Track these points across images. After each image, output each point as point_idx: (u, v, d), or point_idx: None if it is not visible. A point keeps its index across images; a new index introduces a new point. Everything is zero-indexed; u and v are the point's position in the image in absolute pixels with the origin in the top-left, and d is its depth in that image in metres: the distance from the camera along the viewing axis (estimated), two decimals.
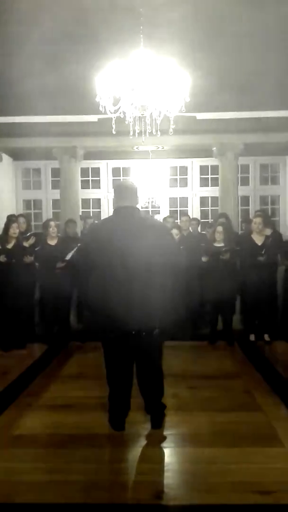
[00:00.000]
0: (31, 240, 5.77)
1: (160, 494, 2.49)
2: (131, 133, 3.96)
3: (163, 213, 8.88)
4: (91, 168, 9.09)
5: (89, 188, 9.17)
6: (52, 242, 5.91)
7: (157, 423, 3.28)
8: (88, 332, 5.79)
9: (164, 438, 3.15)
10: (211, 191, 9.00)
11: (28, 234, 5.89)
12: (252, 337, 5.84)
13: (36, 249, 5.84)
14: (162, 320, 3.08)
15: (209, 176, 9.08)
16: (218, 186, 7.82)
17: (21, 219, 6.30)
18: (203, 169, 9.14)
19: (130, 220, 3.12)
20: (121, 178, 9.01)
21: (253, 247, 5.70)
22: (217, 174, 7.88)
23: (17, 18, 4.03)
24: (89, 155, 7.82)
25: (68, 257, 5.62)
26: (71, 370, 4.79)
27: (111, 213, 3.34)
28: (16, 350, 5.43)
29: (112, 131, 3.82)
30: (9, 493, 2.52)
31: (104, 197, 9.16)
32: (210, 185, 9.06)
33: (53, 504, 2.42)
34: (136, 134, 4.00)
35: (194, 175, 9.17)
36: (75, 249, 5.58)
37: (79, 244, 5.61)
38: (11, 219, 5.96)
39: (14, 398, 3.92)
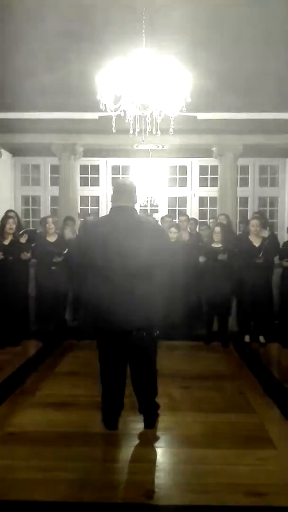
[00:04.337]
0: (25, 237, 5.74)
1: (151, 494, 2.50)
2: (131, 131, 3.95)
3: (162, 212, 8.88)
4: (91, 165, 9.09)
5: (88, 186, 9.16)
6: (51, 238, 5.90)
7: (150, 423, 3.29)
8: (83, 330, 5.80)
9: (156, 438, 3.16)
10: (210, 191, 9.00)
11: (21, 232, 5.84)
12: (247, 339, 5.85)
13: (32, 245, 5.82)
14: (157, 319, 3.09)
15: (209, 176, 9.09)
16: (217, 186, 7.83)
17: (11, 214, 6.23)
18: (203, 169, 9.14)
19: (126, 219, 3.12)
20: (120, 176, 8.99)
21: (251, 248, 5.71)
22: (217, 175, 7.89)
23: (19, 15, 4.02)
24: (88, 153, 7.81)
25: (65, 251, 5.63)
26: (65, 368, 4.79)
27: (109, 211, 3.34)
28: (10, 347, 5.42)
29: (112, 129, 3.81)
30: (1, 490, 2.52)
31: (103, 195, 9.15)
32: (209, 185, 9.07)
33: (44, 502, 2.42)
34: (136, 133, 3.99)
35: (193, 175, 9.17)
36: (72, 244, 5.59)
37: (75, 239, 5.64)
38: (7, 215, 5.92)
39: (8, 395, 3.92)
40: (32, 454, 2.92)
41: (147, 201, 8.53)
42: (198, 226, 7.66)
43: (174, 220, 7.24)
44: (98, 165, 9.13)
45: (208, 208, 9.19)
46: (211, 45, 4.62)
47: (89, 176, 9.17)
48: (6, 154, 8.31)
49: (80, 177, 8.49)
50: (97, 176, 9.18)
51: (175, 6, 3.91)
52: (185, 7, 3.96)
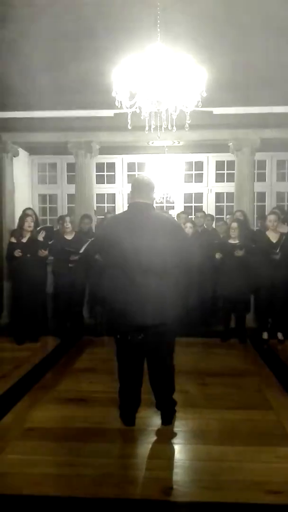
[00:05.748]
0: (42, 234, 5.78)
1: (169, 490, 2.50)
2: (147, 128, 3.93)
3: (178, 209, 8.84)
4: (106, 163, 9.09)
5: (104, 183, 9.17)
6: (69, 236, 5.93)
7: (168, 419, 3.29)
8: (101, 326, 5.83)
9: (174, 435, 3.16)
10: (226, 187, 8.91)
11: (38, 228, 5.89)
12: (265, 335, 5.80)
13: (50, 242, 5.86)
14: (174, 316, 3.08)
15: (225, 172, 9.00)
16: (234, 181, 7.75)
17: (29, 212, 6.28)
18: (219, 165, 9.05)
19: (144, 216, 3.12)
20: (136, 173, 8.98)
21: (268, 244, 5.65)
22: (233, 170, 7.80)
23: (33, 13, 4.03)
24: (104, 150, 7.81)
25: (82, 250, 5.65)
26: (83, 364, 4.82)
27: (125, 208, 3.34)
28: (29, 344, 5.48)
29: (127, 126, 3.80)
30: (20, 485, 2.56)
31: (119, 192, 9.15)
32: (226, 180, 8.98)
33: (62, 497, 2.45)
34: (152, 129, 3.97)
35: (209, 171, 9.09)
36: (88, 243, 5.61)
37: (92, 238, 5.67)
38: (25, 213, 5.97)
39: (26, 391, 3.97)
40: (50, 449, 2.96)
41: (163, 198, 8.50)
42: (214, 222, 7.60)
43: (190, 217, 7.20)
44: (114, 163, 9.13)
45: (225, 204, 9.11)
46: (226, 39, 4.56)
47: (105, 173, 9.18)
48: (23, 153, 8.38)
49: (96, 174, 8.50)
50: (113, 173, 9.19)
51: (191, 1, 3.87)
52: (201, 2, 3.92)
